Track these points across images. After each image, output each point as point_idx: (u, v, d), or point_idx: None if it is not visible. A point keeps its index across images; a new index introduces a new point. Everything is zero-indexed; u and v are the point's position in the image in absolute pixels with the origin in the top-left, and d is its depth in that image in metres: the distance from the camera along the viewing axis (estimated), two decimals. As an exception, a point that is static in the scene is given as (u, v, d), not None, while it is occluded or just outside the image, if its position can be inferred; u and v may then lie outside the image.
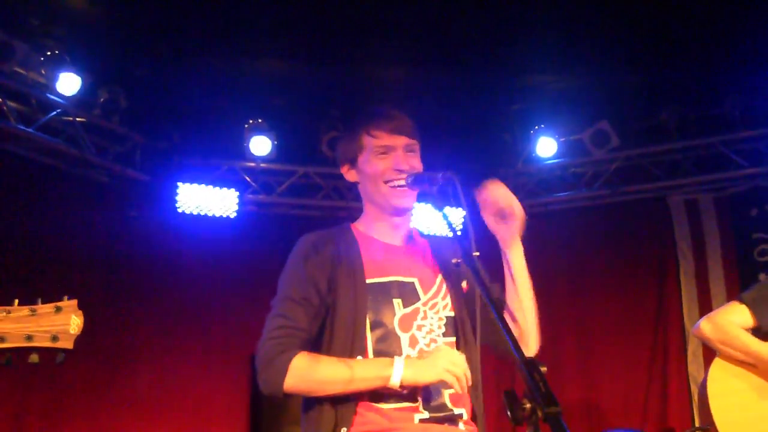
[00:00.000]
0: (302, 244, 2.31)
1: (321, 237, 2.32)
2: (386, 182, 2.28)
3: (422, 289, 2.23)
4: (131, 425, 6.08)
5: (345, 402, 2.08)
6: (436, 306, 2.23)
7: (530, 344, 2.32)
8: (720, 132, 6.55)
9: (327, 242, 2.29)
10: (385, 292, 2.18)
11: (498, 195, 2.24)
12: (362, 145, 2.34)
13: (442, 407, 2.12)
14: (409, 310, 2.17)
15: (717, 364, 3.14)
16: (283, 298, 2.21)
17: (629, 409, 6.59)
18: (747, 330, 3.18)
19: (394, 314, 2.16)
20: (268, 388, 2.10)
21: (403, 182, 2.23)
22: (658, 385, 6.60)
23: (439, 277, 2.29)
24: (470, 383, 2.03)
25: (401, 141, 2.31)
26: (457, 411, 2.15)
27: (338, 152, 2.48)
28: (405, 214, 2.36)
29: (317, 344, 2.17)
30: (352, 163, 2.39)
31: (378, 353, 2.12)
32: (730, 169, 6.58)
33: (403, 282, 2.22)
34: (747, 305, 3.16)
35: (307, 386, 2.07)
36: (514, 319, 2.31)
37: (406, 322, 2.16)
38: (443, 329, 2.22)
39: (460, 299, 2.28)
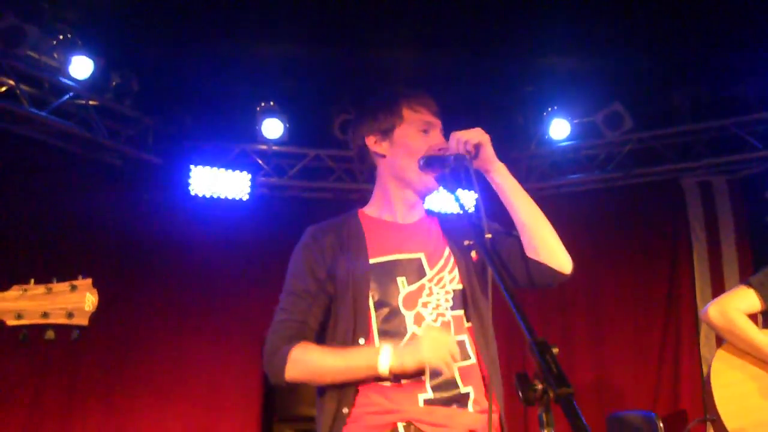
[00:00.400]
0: (303, 237, 2.32)
1: (322, 227, 2.32)
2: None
3: (428, 265, 2.21)
4: (145, 406, 6.14)
5: (347, 387, 2.09)
6: (442, 280, 2.21)
7: (559, 260, 2.32)
8: (734, 114, 6.50)
9: (328, 231, 2.28)
10: (389, 271, 2.17)
11: (453, 143, 2.17)
12: (402, 117, 2.29)
13: (450, 384, 2.09)
14: (414, 287, 2.16)
15: (720, 354, 3.15)
16: (286, 293, 2.24)
17: (640, 391, 6.59)
18: (757, 313, 3.18)
19: (399, 292, 2.15)
20: (273, 379, 2.15)
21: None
22: (669, 368, 6.59)
23: (447, 251, 2.27)
24: (457, 360, 2.02)
25: (438, 123, 2.31)
26: (464, 390, 2.11)
27: (365, 122, 2.37)
28: (428, 195, 2.34)
29: (324, 331, 2.18)
30: (385, 134, 2.31)
31: (383, 333, 2.11)
32: (744, 152, 6.54)
33: (408, 259, 2.21)
34: (755, 289, 3.15)
35: (306, 376, 2.11)
36: (533, 248, 2.27)
37: (411, 300, 2.15)
38: (450, 303, 2.19)
39: (470, 271, 2.25)
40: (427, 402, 2.07)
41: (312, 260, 2.22)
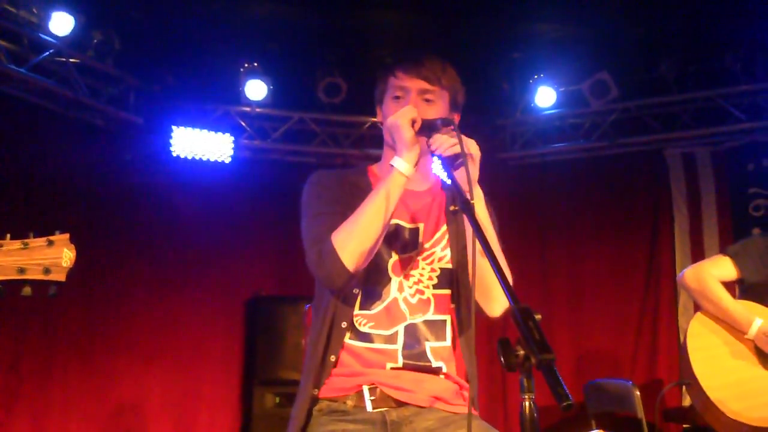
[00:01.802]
0: (319, 178, 2.28)
1: (337, 173, 2.33)
2: None
3: (424, 237, 2.21)
4: (125, 369, 6.14)
5: (337, 330, 2.09)
6: (432, 257, 2.21)
7: (489, 303, 2.09)
8: (719, 85, 6.50)
9: (340, 179, 2.28)
10: (393, 232, 2.18)
11: (440, 144, 2.02)
12: (387, 85, 2.30)
13: (421, 356, 2.12)
14: (404, 256, 2.17)
15: (697, 319, 3.24)
16: (316, 214, 2.15)
17: (618, 360, 6.67)
18: (732, 282, 3.26)
19: (390, 257, 2.15)
20: (335, 279, 2.02)
21: None
22: (647, 338, 6.66)
23: (443, 228, 2.26)
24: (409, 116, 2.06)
25: (417, 85, 2.21)
26: (435, 364, 2.13)
27: (375, 94, 2.42)
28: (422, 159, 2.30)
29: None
30: (379, 102, 2.35)
31: (366, 292, 2.13)
32: (728, 123, 6.55)
33: (405, 227, 2.21)
34: (730, 257, 3.25)
35: (361, 244, 2.00)
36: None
37: (398, 267, 2.16)
38: (435, 281, 2.19)
39: (462, 252, 2.24)
40: (394, 369, 2.09)
41: (333, 195, 2.19)
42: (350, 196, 2.16)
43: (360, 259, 2.00)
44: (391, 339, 2.10)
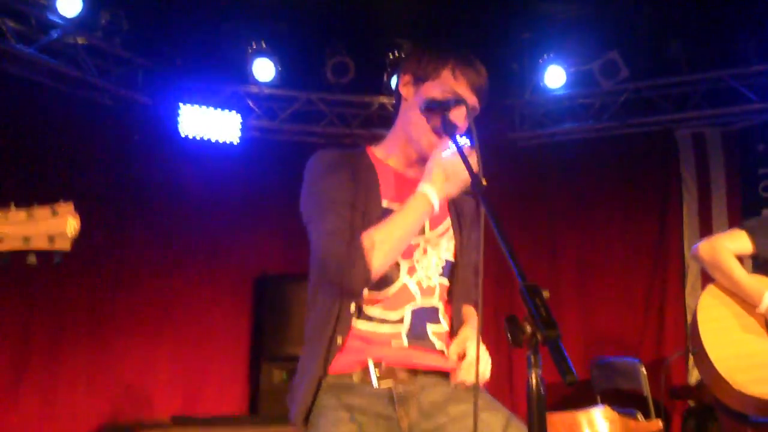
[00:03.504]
0: (325, 158, 2.19)
1: (337, 155, 2.22)
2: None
3: (429, 225, 2.19)
4: (133, 345, 6.18)
5: (345, 312, 2.08)
6: (438, 246, 2.21)
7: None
8: (730, 65, 6.45)
9: (344, 161, 2.20)
10: None
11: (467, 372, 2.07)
12: (440, 75, 2.16)
13: (424, 338, 2.14)
14: (413, 242, 2.15)
15: (708, 291, 3.25)
16: (329, 204, 2.08)
17: (625, 338, 6.68)
18: (746, 257, 3.26)
19: None
20: (356, 283, 2.00)
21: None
22: (655, 316, 6.67)
23: (449, 219, 2.26)
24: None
25: (473, 101, 2.17)
26: (438, 346, 2.15)
27: (410, 60, 2.26)
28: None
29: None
30: (418, 80, 2.20)
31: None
32: (739, 104, 6.51)
33: None
34: (747, 231, 3.24)
35: (389, 253, 2.01)
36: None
37: (408, 252, 2.15)
38: (440, 270, 2.20)
39: (466, 245, 2.25)
40: (400, 348, 2.10)
41: (345, 176, 2.13)
42: (354, 181, 2.14)
43: (380, 273, 2.03)
44: (397, 321, 2.11)
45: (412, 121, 2.18)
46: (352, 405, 2.01)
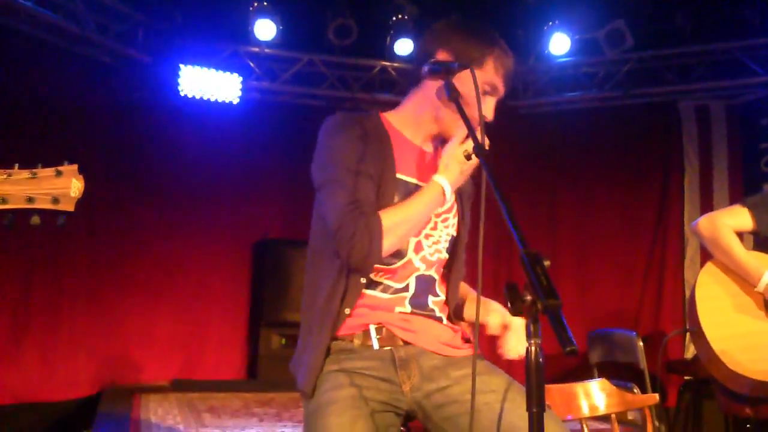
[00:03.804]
0: (335, 123, 2.13)
1: (352, 119, 2.15)
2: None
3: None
4: (133, 307, 6.20)
5: (355, 284, 2.06)
6: (447, 221, 2.20)
7: None
8: (737, 37, 6.38)
9: (358, 125, 2.13)
10: (409, 191, 2.10)
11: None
12: (483, 63, 2.10)
13: (426, 306, 2.13)
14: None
15: (707, 269, 3.21)
16: (343, 172, 2.03)
17: (623, 311, 6.70)
18: (746, 233, 3.23)
19: None
20: (365, 259, 1.96)
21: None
22: (653, 289, 6.69)
23: (454, 196, 2.24)
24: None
25: (502, 93, 2.17)
26: (438, 314, 2.15)
27: (451, 37, 2.16)
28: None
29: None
30: (461, 60, 2.09)
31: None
32: (744, 76, 6.45)
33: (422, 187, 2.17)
34: (748, 208, 3.19)
35: (402, 235, 2.01)
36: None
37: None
38: (446, 244, 2.19)
39: (464, 222, 2.25)
40: (402, 313, 2.09)
41: (354, 144, 2.07)
42: (367, 147, 2.08)
43: (389, 250, 2.02)
44: (402, 289, 2.10)
45: (445, 105, 2.11)
46: (353, 368, 2.00)
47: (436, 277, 2.18)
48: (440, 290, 2.19)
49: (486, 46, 2.13)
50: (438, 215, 2.16)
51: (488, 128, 1.94)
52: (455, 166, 2.00)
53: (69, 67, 5.92)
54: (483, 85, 2.08)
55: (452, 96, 1.98)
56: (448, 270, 2.23)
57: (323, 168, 2.09)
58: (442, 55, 2.13)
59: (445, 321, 2.17)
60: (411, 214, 2.01)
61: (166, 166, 6.39)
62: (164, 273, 6.42)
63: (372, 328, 2.05)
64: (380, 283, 2.09)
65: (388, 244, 1.98)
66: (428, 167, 2.18)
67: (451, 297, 2.22)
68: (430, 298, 2.15)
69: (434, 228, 2.17)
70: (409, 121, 2.22)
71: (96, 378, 5.92)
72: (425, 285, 2.14)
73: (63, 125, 5.72)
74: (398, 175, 2.11)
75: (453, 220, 2.22)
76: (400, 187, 2.09)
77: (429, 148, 2.22)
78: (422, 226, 2.09)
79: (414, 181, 2.14)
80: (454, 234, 2.23)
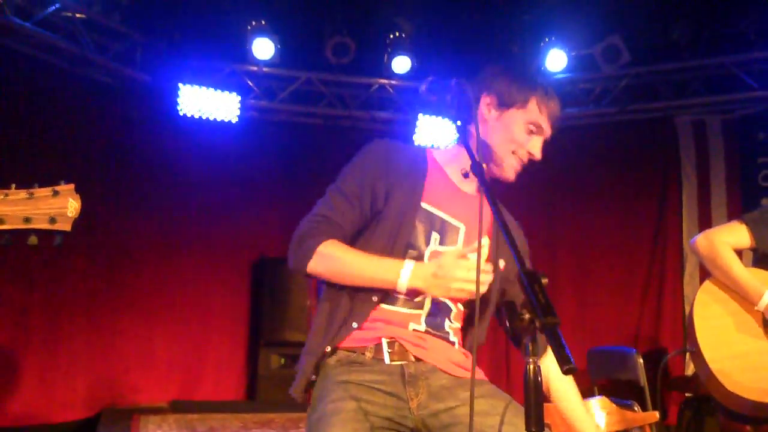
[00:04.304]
0: (375, 146, 2.24)
1: (395, 147, 2.26)
2: (513, 152, 2.23)
3: (464, 240, 2.19)
4: (131, 327, 6.18)
5: (363, 299, 2.09)
6: (472, 254, 2.21)
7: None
8: (733, 52, 6.41)
9: (399, 153, 2.23)
10: (432, 221, 2.16)
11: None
12: (527, 104, 2.21)
13: (441, 327, 2.15)
14: (442, 248, 2.15)
15: (705, 287, 3.17)
16: (336, 189, 2.17)
17: (622, 327, 6.68)
18: (745, 250, 3.20)
19: (428, 245, 2.15)
20: (295, 265, 2.13)
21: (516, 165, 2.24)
22: (652, 306, 6.67)
23: (486, 240, 2.25)
24: (485, 290, 2.02)
25: (548, 133, 2.29)
26: (452, 338, 2.17)
27: (495, 80, 2.26)
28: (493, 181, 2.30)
29: (353, 243, 2.16)
30: (502, 105, 2.23)
31: None
32: (740, 91, 6.47)
33: (449, 222, 2.19)
34: (746, 224, 3.16)
35: (328, 272, 2.10)
36: None
37: (434, 257, 2.13)
38: None
39: (496, 279, 2.21)
40: (417, 330, 2.11)
41: (377, 171, 2.17)
42: (399, 176, 2.17)
43: (318, 277, 2.13)
44: (417, 305, 2.12)
45: (490, 145, 2.22)
46: (362, 381, 2.01)
47: (454, 308, 2.19)
48: (456, 320, 2.20)
49: (529, 87, 2.23)
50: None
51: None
52: (433, 269, 2.01)
53: (68, 86, 5.94)
54: (527, 125, 2.21)
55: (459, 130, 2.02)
56: (468, 310, 2.23)
57: (338, 177, 2.21)
58: (486, 100, 2.23)
59: (457, 346, 2.18)
60: (347, 263, 2.08)
61: (165, 185, 6.39)
62: (162, 293, 6.40)
63: (384, 342, 2.07)
64: (397, 298, 2.11)
65: (313, 265, 2.09)
66: (458, 204, 2.21)
67: (469, 329, 2.22)
68: (447, 323, 2.16)
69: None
70: (453, 159, 2.28)
71: (95, 399, 5.89)
72: (442, 309, 2.15)
73: (62, 145, 5.73)
74: (423, 204, 2.16)
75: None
76: (422, 216, 2.15)
77: (469, 189, 2.26)
78: (349, 282, 2.09)
79: (439, 213, 2.18)
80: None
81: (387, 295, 2.09)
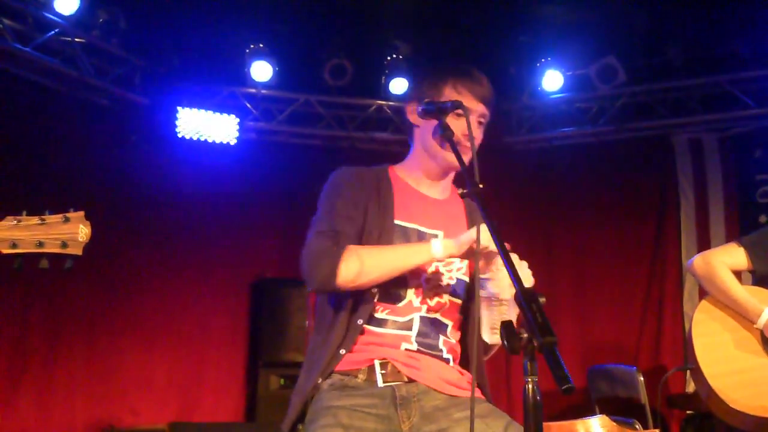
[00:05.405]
0: (343, 172, 2.29)
1: (359, 170, 2.31)
2: (445, 146, 2.22)
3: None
4: (130, 349, 6.15)
5: (353, 326, 2.10)
6: (451, 265, 2.22)
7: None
8: (728, 70, 6.44)
9: (362, 177, 2.28)
10: (409, 236, 2.20)
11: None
12: (443, 94, 2.24)
13: (434, 346, 2.16)
14: None
15: (703, 305, 3.19)
16: (328, 213, 2.18)
17: (622, 345, 6.67)
18: (744, 272, 3.21)
19: None
20: (321, 281, 2.06)
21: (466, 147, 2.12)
22: (652, 324, 6.65)
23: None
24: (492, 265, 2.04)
25: (480, 109, 2.26)
26: (445, 356, 2.18)
27: (413, 89, 2.39)
28: (450, 172, 2.33)
29: None
30: (415, 99, 2.31)
31: (384, 293, 2.15)
32: (736, 109, 6.50)
33: (425, 233, 2.23)
34: (744, 247, 3.18)
35: (362, 271, 2.05)
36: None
37: (417, 271, 2.17)
38: (451, 289, 2.23)
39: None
40: (408, 350, 2.12)
41: (354, 193, 2.21)
42: (370, 199, 2.21)
43: (352, 288, 2.08)
44: (406, 325, 2.14)
45: (428, 143, 2.27)
46: (354, 406, 2.01)
47: (447, 322, 2.19)
48: (452, 335, 2.21)
49: (438, 78, 2.28)
50: (441, 259, 2.17)
51: (482, 164, 1.97)
52: (464, 243, 2.04)
53: (66, 111, 5.96)
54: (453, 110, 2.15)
55: (446, 135, 2.03)
56: (464, 314, 2.24)
57: (316, 212, 2.22)
58: (410, 108, 2.31)
59: (452, 363, 2.18)
60: (384, 257, 2.09)
61: (164, 207, 6.39)
62: (161, 314, 6.38)
63: (377, 364, 2.08)
64: (385, 320, 2.11)
65: (345, 273, 2.04)
66: (430, 213, 2.26)
67: (470, 341, 2.23)
68: (441, 339, 2.17)
69: (435, 272, 2.19)
70: (412, 170, 2.34)
71: (93, 422, 5.86)
72: (433, 326, 2.16)
73: (62, 168, 5.74)
74: (396, 221, 2.20)
75: (461, 264, 2.24)
76: (398, 232, 2.18)
77: (434, 193, 2.32)
78: (393, 274, 2.10)
79: (413, 225, 2.21)
80: (463, 278, 2.25)
81: (372, 317, 2.11)
